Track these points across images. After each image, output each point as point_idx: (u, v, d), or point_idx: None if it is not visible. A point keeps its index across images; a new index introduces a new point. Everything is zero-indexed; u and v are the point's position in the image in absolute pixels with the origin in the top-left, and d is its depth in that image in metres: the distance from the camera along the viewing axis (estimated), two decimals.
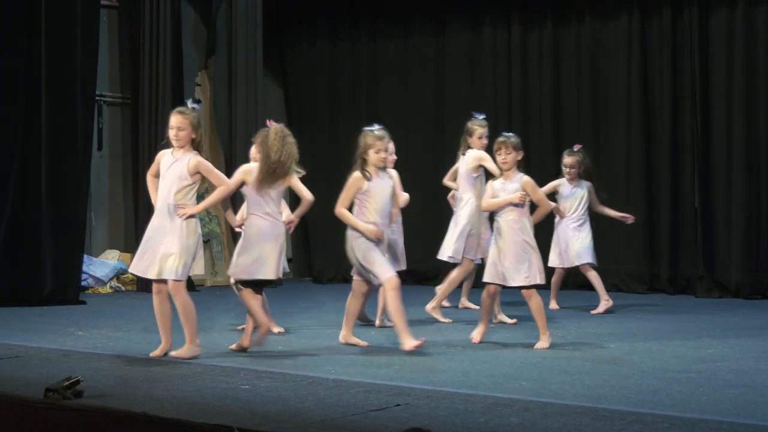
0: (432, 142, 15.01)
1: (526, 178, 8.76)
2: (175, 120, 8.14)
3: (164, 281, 8.06)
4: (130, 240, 13.78)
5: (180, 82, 14.07)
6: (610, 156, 13.81)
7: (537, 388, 6.90)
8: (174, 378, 7.29)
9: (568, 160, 11.61)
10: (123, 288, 13.58)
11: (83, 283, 12.93)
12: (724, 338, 9.34)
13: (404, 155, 15.03)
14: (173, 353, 8.15)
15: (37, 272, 12.00)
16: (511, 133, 8.90)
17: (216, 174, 8.23)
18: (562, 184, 11.63)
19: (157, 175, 8.26)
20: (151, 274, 8.05)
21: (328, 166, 14.17)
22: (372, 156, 8.61)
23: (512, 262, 8.67)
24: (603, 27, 13.93)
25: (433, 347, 8.74)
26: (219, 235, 15.12)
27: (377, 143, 8.60)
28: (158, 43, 13.80)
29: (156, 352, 8.25)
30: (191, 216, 8.06)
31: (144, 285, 13.60)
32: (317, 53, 15.95)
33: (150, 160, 13.67)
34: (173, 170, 8.11)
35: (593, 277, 11.45)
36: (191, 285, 13.99)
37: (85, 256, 12.94)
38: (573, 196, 11.58)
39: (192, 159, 8.11)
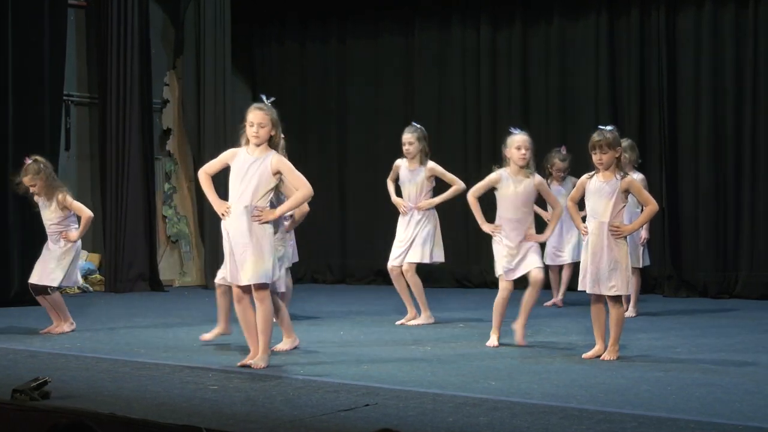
0: (400, 142, 14.95)
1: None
2: (256, 116, 7.76)
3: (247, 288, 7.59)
4: (98, 240, 13.69)
5: (148, 82, 14.04)
6: (578, 155, 13.77)
7: (506, 387, 6.92)
8: (142, 378, 7.27)
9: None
10: (91, 288, 13.51)
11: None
12: (692, 338, 9.38)
13: (372, 154, 15.07)
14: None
15: (3, 272, 11.94)
16: (609, 128, 8.11)
17: (296, 175, 7.79)
18: None
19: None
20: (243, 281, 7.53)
21: (296, 166, 14.10)
22: None
23: None
24: (571, 27, 13.94)
25: (401, 347, 8.75)
26: (188, 235, 15.07)
27: None
28: (126, 42, 13.75)
29: (243, 361, 7.72)
30: (266, 222, 7.60)
31: (112, 286, 13.56)
32: (286, 53, 15.89)
33: (118, 159, 13.79)
34: (254, 170, 7.64)
35: None
36: (159, 286, 13.96)
37: None
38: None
39: (274, 158, 7.71)
